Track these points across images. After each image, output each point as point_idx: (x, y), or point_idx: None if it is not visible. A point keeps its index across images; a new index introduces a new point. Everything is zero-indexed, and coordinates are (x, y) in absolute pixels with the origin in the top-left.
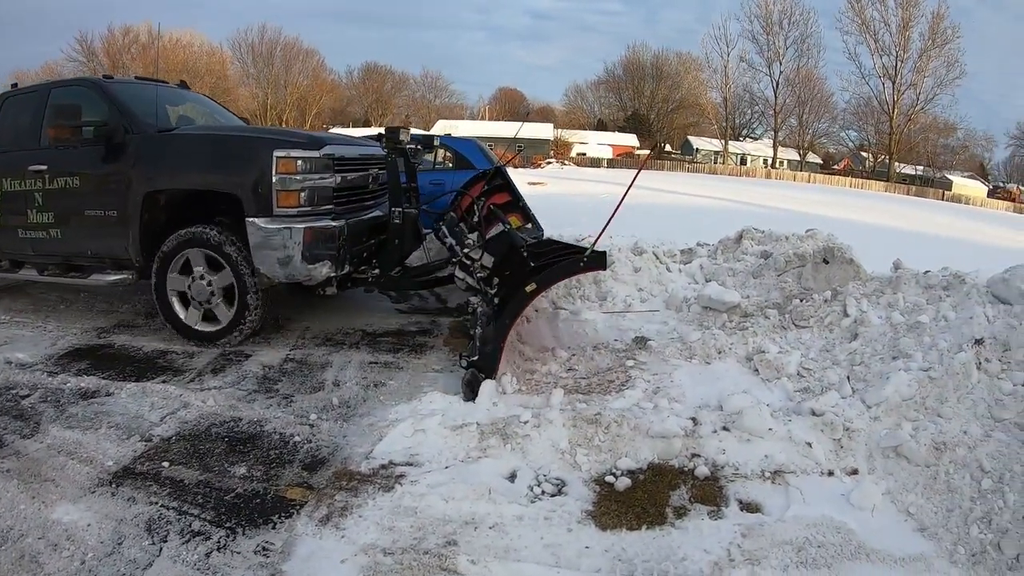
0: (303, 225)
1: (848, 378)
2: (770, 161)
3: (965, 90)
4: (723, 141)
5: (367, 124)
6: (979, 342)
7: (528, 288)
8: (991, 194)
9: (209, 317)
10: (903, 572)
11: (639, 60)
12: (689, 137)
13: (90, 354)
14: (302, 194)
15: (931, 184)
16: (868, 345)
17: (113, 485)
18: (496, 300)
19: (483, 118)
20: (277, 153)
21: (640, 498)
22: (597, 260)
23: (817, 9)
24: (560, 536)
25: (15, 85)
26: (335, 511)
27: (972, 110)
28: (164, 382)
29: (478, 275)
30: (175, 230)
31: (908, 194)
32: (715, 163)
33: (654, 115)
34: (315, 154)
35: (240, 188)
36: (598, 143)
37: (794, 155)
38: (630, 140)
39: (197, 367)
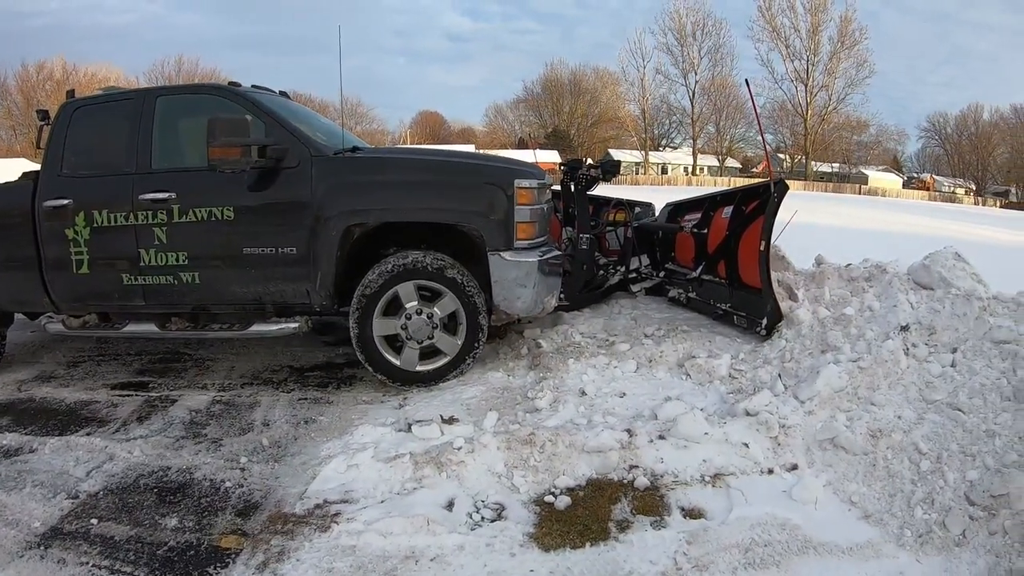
0: (539, 257)
1: (779, 376)
2: (690, 168)
3: (875, 88)
4: (644, 152)
5: None
6: (905, 328)
7: (761, 247)
8: (906, 185)
9: (428, 354)
10: (852, 561)
11: (557, 77)
12: (610, 150)
13: (10, 409)
14: (537, 225)
15: (848, 180)
16: (797, 341)
17: (42, 548)
18: (704, 276)
19: (404, 142)
20: (519, 183)
21: (581, 515)
22: (782, 187)
23: (729, 19)
24: (504, 562)
25: (72, 93)
26: (271, 557)
27: (883, 106)
28: (89, 434)
29: (644, 274)
30: (360, 268)
31: (826, 191)
32: (637, 174)
33: (574, 130)
34: (542, 182)
35: (477, 220)
36: (535, 160)
37: (713, 161)
38: (552, 156)
39: (122, 416)
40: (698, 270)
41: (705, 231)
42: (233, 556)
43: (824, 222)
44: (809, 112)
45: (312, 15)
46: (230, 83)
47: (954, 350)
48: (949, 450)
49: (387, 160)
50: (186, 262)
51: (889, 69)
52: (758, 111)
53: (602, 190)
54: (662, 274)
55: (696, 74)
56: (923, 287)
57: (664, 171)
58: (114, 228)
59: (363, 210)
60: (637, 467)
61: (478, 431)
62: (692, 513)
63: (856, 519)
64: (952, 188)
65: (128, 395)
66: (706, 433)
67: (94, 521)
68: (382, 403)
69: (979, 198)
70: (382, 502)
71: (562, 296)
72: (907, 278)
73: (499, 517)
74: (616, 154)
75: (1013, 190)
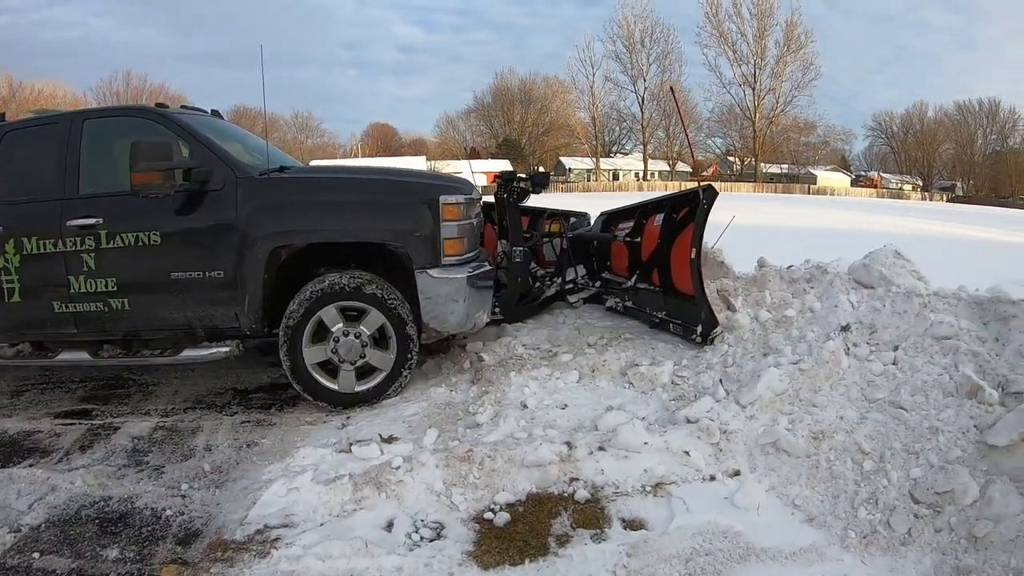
0: (468, 274)
1: (721, 381)
2: (641, 174)
3: (822, 90)
4: (595, 159)
5: None
6: (845, 328)
7: (692, 255)
8: (854, 183)
9: (365, 373)
10: (795, 565)
11: (507, 86)
12: (561, 158)
13: None
14: (465, 240)
15: (797, 180)
16: (739, 345)
17: None
18: (639, 285)
19: (356, 155)
20: (444, 199)
21: (521, 531)
22: (711, 193)
23: (677, 26)
24: None
25: (2, 116)
26: None
27: (830, 107)
28: (31, 465)
29: (581, 285)
30: (288, 290)
31: (776, 192)
32: (588, 181)
33: (525, 139)
34: (471, 197)
35: (404, 238)
36: (472, 171)
37: (664, 166)
38: (504, 166)
39: (65, 446)
40: (632, 279)
41: (638, 239)
42: None
43: (770, 223)
44: (757, 115)
45: (263, 31)
46: (157, 104)
47: (896, 348)
48: (892, 449)
49: (312, 180)
50: (115, 288)
51: (835, 70)
52: (683, 114)
53: (548, 200)
54: (598, 284)
55: (645, 80)
56: (864, 286)
57: (616, 177)
58: (44, 255)
59: (288, 231)
60: (578, 480)
61: (417, 449)
62: (633, 524)
63: (799, 523)
64: (899, 185)
65: (71, 423)
66: (646, 442)
67: (36, 555)
68: (325, 423)
69: (926, 193)
70: (321, 525)
71: (497, 310)
72: (848, 278)
73: (438, 536)
74: (567, 161)
75: (959, 184)
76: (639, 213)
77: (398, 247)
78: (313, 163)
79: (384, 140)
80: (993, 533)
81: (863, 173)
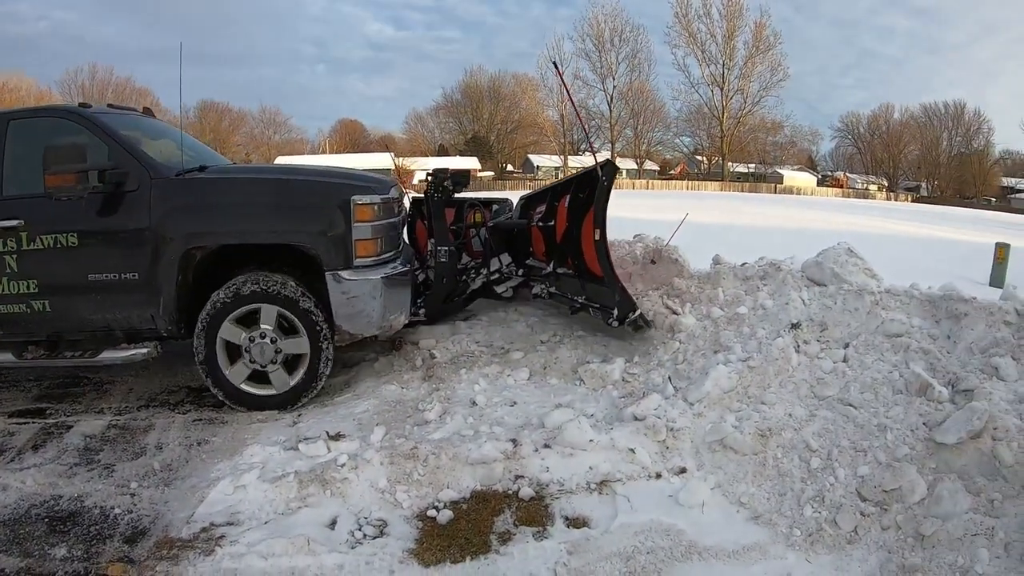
0: (383, 275)
1: (670, 378)
2: None
3: (789, 91)
4: (563, 157)
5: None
6: (796, 326)
7: (596, 237)
8: (821, 183)
9: (258, 378)
10: (738, 564)
11: (477, 84)
12: (530, 155)
13: None
14: (379, 241)
15: (764, 179)
16: (690, 342)
17: None
18: (559, 270)
19: (324, 151)
20: (356, 199)
21: (463, 528)
22: (610, 169)
23: (646, 25)
24: None
25: None
26: None
27: (797, 108)
28: None
29: (506, 274)
30: (206, 291)
31: (743, 191)
32: (556, 178)
33: (494, 136)
34: (386, 197)
35: (314, 240)
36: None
37: (632, 164)
38: (472, 163)
39: (17, 445)
40: (551, 264)
41: (552, 223)
42: None
43: (731, 221)
44: (725, 115)
45: (231, 27)
46: (80, 104)
47: (846, 345)
48: (840, 446)
49: (224, 181)
50: (36, 290)
51: (802, 72)
52: (570, 91)
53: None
54: (522, 272)
55: (614, 79)
56: (816, 283)
57: None
58: None
59: (201, 233)
60: (523, 477)
61: (363, 446)
62: (576, 522)
63: (744, 521)
64: (865, 185)
65: (24, 423)
66: (591, 440)
67: None
68: (276, 420)
69: (891, 193)
70: (266, 523)
71: (421, 311)
72: (801, 275)
73: (381, 534)
74: (536, 159)
75: (923, 185)
76: (550, 195)
77: (309, 249)
78: (278, 160)
79: (352, 137)
80: (940, 531)
81: (829, 173)
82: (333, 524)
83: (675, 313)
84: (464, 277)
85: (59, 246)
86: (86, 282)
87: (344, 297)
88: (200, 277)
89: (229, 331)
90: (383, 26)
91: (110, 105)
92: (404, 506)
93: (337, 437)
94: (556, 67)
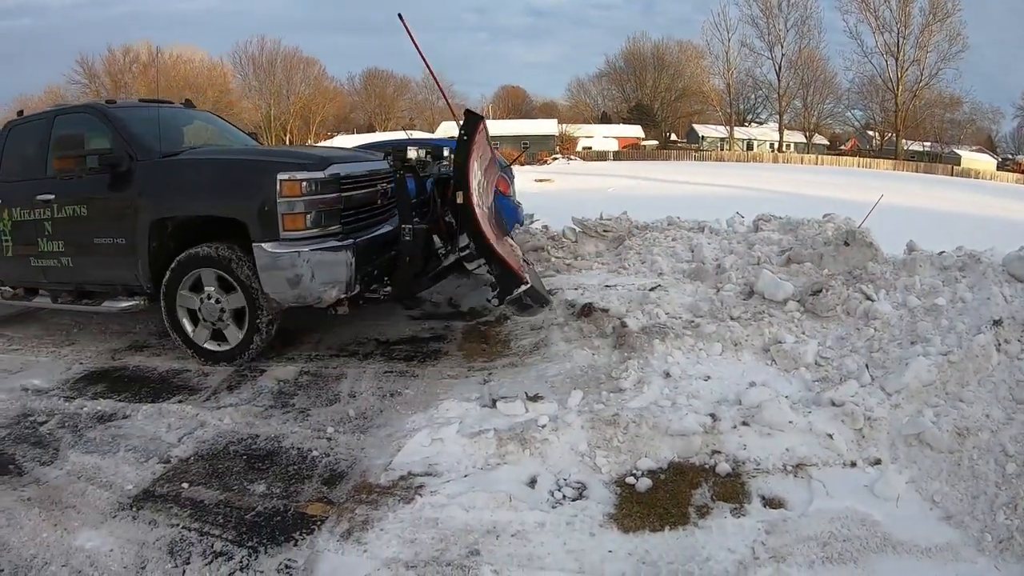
0: (310, 248)
1: (867, 366)
2: (776, 145)
3: (968, 63)
4: (728, 127)
5: (371, 130)
6: (997, 323)
7: (458, 200)
8: (1000, 167)
9: (218, 336)
10: (930, 563)
11: (640, 51)
12: (694, 125)
13: (105, 377)
14: (308, 216)
15: (939, 160)
16: (886, 331)
17: (134, 509)
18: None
19: (487, 117)
20: (281, 176)
21: (662, 498)
22: (471, 122)
23: None
24: (583, 541)
25: (21, 113)
26: (356, 525)
27: (976, 83)
28: (180, 402)
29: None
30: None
31: (917, 171)
32: (721, 150)
33: (658, 105)
34: (320, 175)
35: (245, 213)
36: (603, 136)
37: (800, 137)
38: (635, 131)
39: (212, 385)
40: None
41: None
42: (319, 523)
43: (916, 204)
44: (900, 87)
45: None
46: (107, 101)
47: None
48: None
49: (185, 162)
50: (63, 249)
51: (981, 43)
52: (418, 44)
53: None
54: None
55: (782, 47)
56: (1018, 279)
57: (750, 147)
58: (23, 222)
59: (164, 207)
60: (719, 452)
61: (562, 409)
62: (772, 502)
63: (937, 519)
64: None
65: (216, 366)
66: (790, 421)
67: (185, 485)
68: (467, 378)
69: None
70: (465, 476)
71: (387, 288)
72: (1002, 269)
73: (580, 496)
74: (700, 129)
75: None
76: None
77: (243, 221)
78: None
79: (515, 103)
80: None
81: (1010, 156)
82: (532, 483)
83: (869, 299)
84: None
85: (76, 215)
86: (93, 244)
87: (267, 266)
88: (180, 247)
89: (186, 299)
90: None
91: (141, 100)
92: (603, 471)
93: (536, 398)
94: (400, 18)
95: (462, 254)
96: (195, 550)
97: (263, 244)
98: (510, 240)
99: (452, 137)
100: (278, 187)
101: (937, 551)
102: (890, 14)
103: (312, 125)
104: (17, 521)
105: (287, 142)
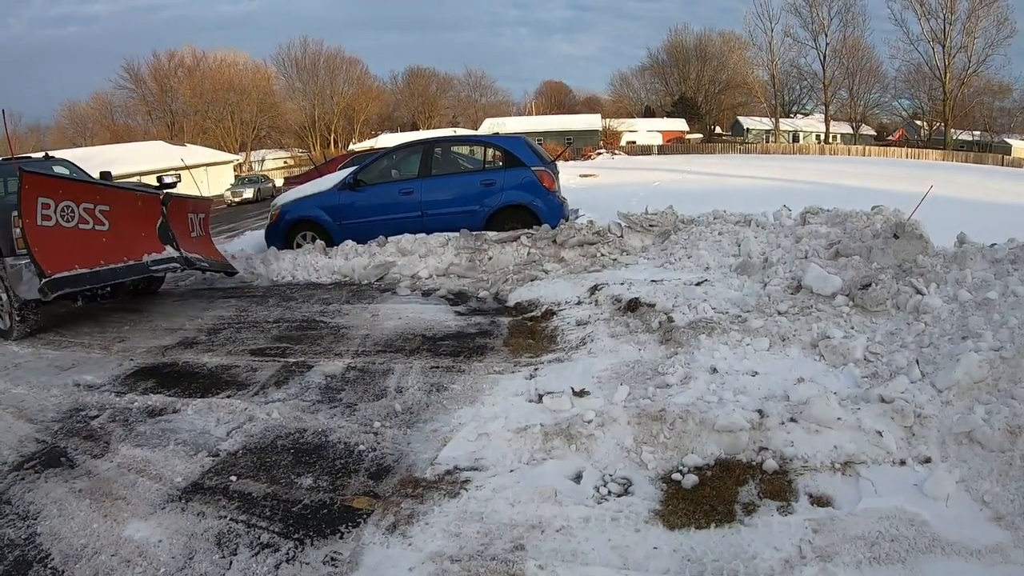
0: None
1: (917, 361)
2: (823, 136)
3: (1017, 49)
4: (773, 119)
5: (415, 127)
6: None
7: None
8: None
9: None
10: (980, 565)
11: (682, 43)
12: (739, 117)
13: (155, 373)
14: None
15: (989, 149)
16: (936, 325)
17: (183, 501)
18: None
19: (530, 113)
20: None
21: (708, 495)
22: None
23: None
24: (628, 537)
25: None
26: (401, 519)
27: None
28: (229, 397)
29: None
30: None
31: (966, 161)
32: (767, 142)
33: (701, 97)
34: None
35: None
36: (647, 130)
37: (847, 128)
38: (679, 125)
39: (260, 380)
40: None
41: None
42: (364, 516)
43: (965, 196)
44: (947, 75)
45: None
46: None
47: None
48: None
49: None
50: None
51: None
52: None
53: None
54: None
55: (827, 36)
56: None
57: (795, 139)
58: None
59: None
60: (766, 449)
61: (608, 404)
62: (820, 500)
63: (987, 520)
64: None
65: (266, 361)
66: (839, 418)
67: (233, 478)
68: (513, 374)
69: None
70: (511, 471)
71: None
72: None
73: (626, 492)
74: (745, 121)
75: None
76: None
77: None
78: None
79: (557, 97)
80: None
81: None
82: (578, 478)
83: (920, 293)
84: None
85: None
86: None
87: None
88: None
89: None
90: None
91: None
92: (649, 467)
93: (582, 393)
94: None
95: None
96: (242, 541)
97: None
98: None
99: (496, 133)
100: None
101: (986, 552)
102: (935, 0)
103: (356, 124)
104: (69, 512)
105: (331, 142)
